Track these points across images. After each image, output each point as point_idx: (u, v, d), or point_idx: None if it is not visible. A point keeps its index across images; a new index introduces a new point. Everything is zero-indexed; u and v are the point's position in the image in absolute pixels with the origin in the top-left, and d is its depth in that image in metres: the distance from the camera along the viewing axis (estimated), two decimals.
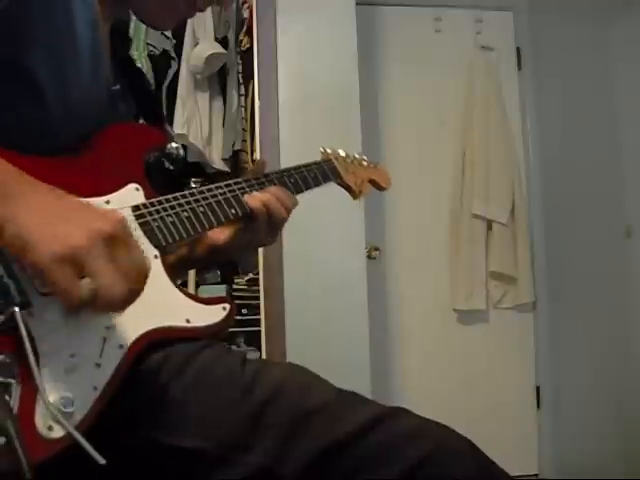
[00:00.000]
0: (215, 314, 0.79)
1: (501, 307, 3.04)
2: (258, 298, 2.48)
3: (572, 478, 2.73)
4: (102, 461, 0.57)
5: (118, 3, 0.88)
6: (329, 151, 1.10)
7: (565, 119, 2.95)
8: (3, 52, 0.69)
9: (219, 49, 2.68)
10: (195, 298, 0.79)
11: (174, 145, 0.89)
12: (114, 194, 0.77)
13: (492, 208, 2.97)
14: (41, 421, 0.60)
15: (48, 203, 0.61)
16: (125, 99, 0.91)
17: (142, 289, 0.63)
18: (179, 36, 2.74)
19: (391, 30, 3.06)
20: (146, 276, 0.63)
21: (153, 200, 0.79)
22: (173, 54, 2.76)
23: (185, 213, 0.81)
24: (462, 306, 2.99)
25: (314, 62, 2.56)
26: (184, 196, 0.82)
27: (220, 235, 0.94)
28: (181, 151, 0.90)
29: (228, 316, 0.79)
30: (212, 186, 0.87)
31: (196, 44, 2.69)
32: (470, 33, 3.10)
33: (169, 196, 0.81)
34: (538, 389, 3.05)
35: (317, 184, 1.02)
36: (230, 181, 0.90)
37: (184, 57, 2.73)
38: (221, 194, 0.87)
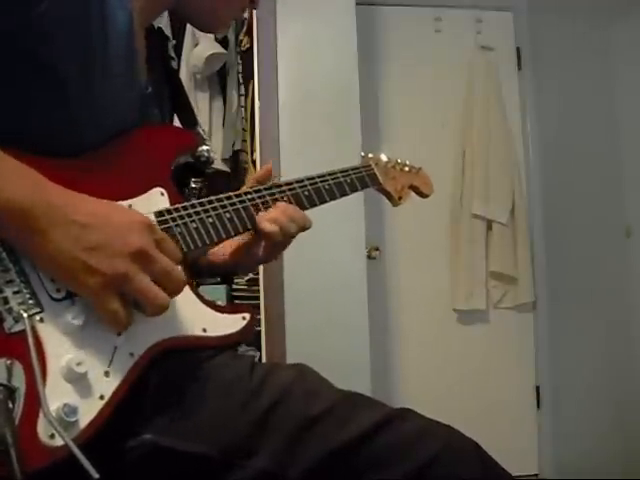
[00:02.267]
0: (234, 324, 0.78)
1: (501, 307, 3.04)
2: (258, 298, 2.47)
3: (572, 478, 2.72)
4: (96, 475, 0.56)
5: (161, 4, 0.88)
6: (370, 156, 1.08)
7: (565, 119, 2.95)
8: (36, 53, 0.69)
9: (219, 49, 2.67)
10: (214, 307, 0.78)
11: (205, 147, 0.88)
12: (137, 198, 0.76)
13: (492, 208, 2.97)
14: (43, 428, 0.59)
15: (75, 229, 0.63)
16: (158, 103, 0.90)
17: (183, 285, 0.68)
18: (179, 36, 2.74)
19: (391, 30, 3.06)
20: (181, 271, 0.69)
21: (178, 206, 0.78)
22: (173, 54, 2.75)
23: (210, 219, 0.80)
24: (462, 306, 2.99)
25: (314, 62, 2.56)
26: (210, 201, 0.81)
27: (220, 254, 0.94)
28: (212, 154, 0.89)
29: (247, 326, 0.78)
30: (240, 192, 0.86)
31: (196, 44, 2.69)
32: (470, 33, 3.10)
33: (194, 202, 0.80)
34: (538, 389, 3.05)
35: (354, 190, 0.99)
36: (252, 189, 0.88)
37: (184, 57, 2.73)
38: (250, 200, 0.86)
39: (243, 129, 2.77)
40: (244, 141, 2.76)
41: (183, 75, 2.73)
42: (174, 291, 0.67)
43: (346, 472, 0.68)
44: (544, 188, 3.09)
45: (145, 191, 0.77)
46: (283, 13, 2.54)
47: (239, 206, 0.84)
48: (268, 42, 2.52)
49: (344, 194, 0.97)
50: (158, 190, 0.78)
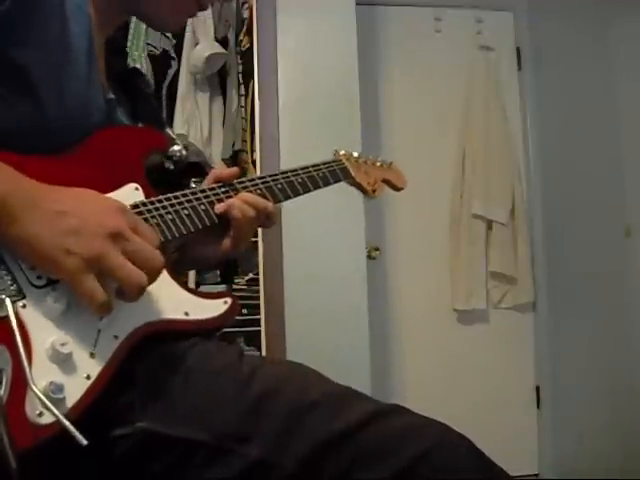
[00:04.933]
0: (215, 308, 0.80)
1: (501, 307, 3.04)
2: (258, 298, 2.48)
3: (572, 478, 2.73)
4: (84, 442, 0.58)
5: (118, 11, 0.90)
6: (342, 152, 1.11)
7: (565, 119, 2.95)
8: (3, 53, 0.70)
9: (219, 49, 2.68)
10: (196, 293, 0.80)
11: (176, 147, 0.89)
12: (112, 193, 0.77)
13: (492, 208, 2.97)
14: (31, 407, 0.60)
15: (51, 216, 0.65)
16: (123, 109, 0.92)
17: (161, 266, 0.68)
18: (179, 36, 2.74)
19: (391, 30, 3.06)
20: (160, 252, 0.69)
21: (153, 199, 0.79)
22: (173, 54, 2.76)
23: (185, 211, 0.82)
24: (462, 306, 2.99)
25: (314, 62, 2.56)
26: (185, 195, 0.83)
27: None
28: (184, 152, 0.91)
29: (229, 310, 0.80)
30: (215, 185, 0.89)
31: (196, 44, 2.69)
32: (470, 33, 3.10)
33: (169, 195, 0.81)
34: (538, 389, 3.05)
35: (326, 184, 1.03)
36: (227, 182, 0.91)
37: (184, 57, 2.73)
38: (224, 192, 0.89)
39: (243, 129, 2.77)
40: (244, 141, 2.76)
41: (183, 75, 2.74)
42: (151, 271, 0.67)
43: (334, 465, 0.67)
44: (544, 188, 3.09)
45: (119, 187, 0.78)
46: (283, 13, 2.54)
47: (213, 198, 0.87)
48: (268, 42, 2.52)
49: (317, 187, 1.01)
50: (132, 185, 0.80)
